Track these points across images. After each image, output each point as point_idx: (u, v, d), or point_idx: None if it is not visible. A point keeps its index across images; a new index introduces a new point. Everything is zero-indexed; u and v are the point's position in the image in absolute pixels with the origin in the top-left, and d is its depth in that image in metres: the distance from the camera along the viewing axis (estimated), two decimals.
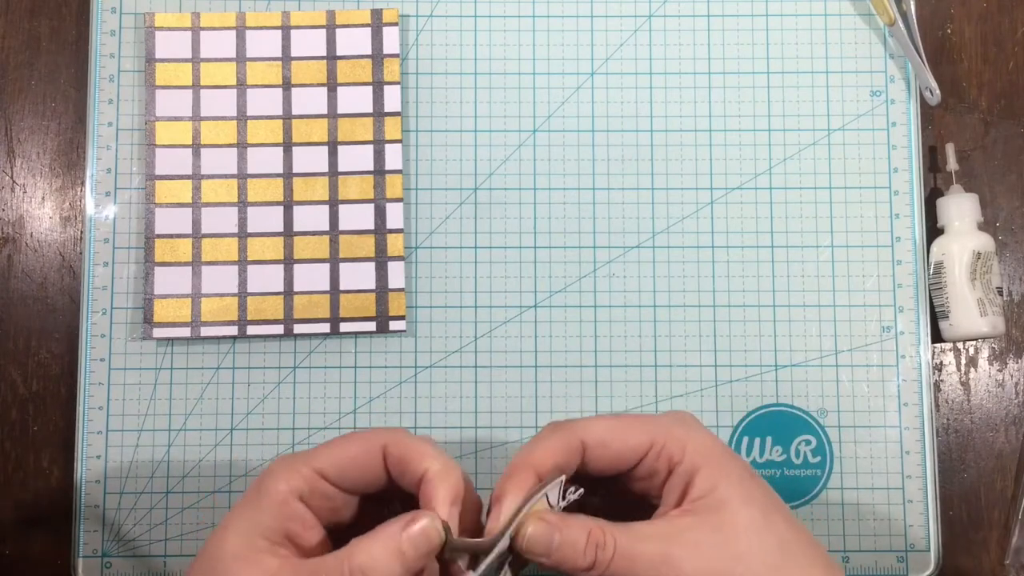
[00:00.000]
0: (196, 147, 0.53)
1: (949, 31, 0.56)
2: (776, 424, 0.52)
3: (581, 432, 0.39)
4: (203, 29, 0.54)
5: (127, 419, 0.52)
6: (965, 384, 0.54)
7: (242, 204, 0.53)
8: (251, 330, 0.52)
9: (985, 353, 0.54)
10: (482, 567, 0.37)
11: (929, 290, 0.53)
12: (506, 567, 0.38)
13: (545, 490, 0.38)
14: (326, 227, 0.53)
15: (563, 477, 0.39)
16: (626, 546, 0.37)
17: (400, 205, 0.53)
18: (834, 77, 0.55)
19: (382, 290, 0.52)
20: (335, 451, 0.39)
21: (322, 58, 0.54)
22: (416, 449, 0.38)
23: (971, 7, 0.56)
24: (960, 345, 0.54)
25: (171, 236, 0.53)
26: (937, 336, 0.53)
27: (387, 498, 0.41)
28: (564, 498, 0.39)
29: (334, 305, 0.52)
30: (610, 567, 0.37)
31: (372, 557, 0.35)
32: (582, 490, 0.39)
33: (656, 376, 0.52)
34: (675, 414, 0.40)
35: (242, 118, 0.53)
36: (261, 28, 0.54)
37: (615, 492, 0.42)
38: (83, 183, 0.54)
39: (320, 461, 0.38)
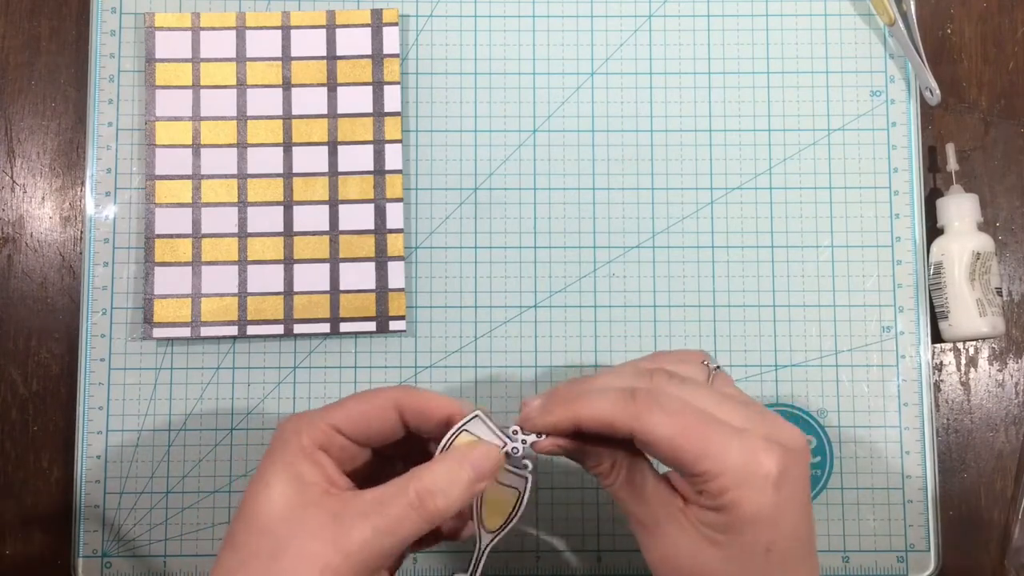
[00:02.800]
0: (196, 147, 0.53)
1: (949, 31, 0.56)
2: None
3: (636, 424, 0.36)
4: (203, 29, 0.54)
5: (127, 419, 0.52)
6: (965, 384, 0.54)
7: (242, 204, 0.53)
8: (251, 330, 0.52)
9: (985, 353, 0.54)
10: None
11: (929, 290, 0.53)
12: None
13: (465, 426, 0.39)
14: (326, 227, 0.53)
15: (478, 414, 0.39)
16: (621, 491, 0.38)
17: (400, 205, 0.53)
18: (834, 77, 0.55)
19: (382, 290, 0.52)
20: (348, 407, 0.39)
21: (322, 58, 0.54)
22: (433, 398, 0.39)
23: (971, 7, 0.56)
24: (960, 345, 0.54)
25: (171, 236, 0.53)
26: (937, 336, 0.53)
27: (391, 455, 0.41)
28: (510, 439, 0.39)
29: (334, 305, 0.52)
30: (609, 489, 0.38)
31: (437, 479, 0.36)
32: (533, 438, 0.39)
33: None
34: (759, 449, 0.35)
35: (242, 118, 0.53)
36: (261, 28, 0.54)
37: None
38: (83, 183, 0.54)
39: (334, 417, 0.38)
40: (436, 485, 0.36)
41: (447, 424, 0.39)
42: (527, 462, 0.39)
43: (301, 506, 0.36)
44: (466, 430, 0.39)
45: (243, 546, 0.36)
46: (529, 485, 0.39)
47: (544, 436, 0.38)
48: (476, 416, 0.39)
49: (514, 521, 0.39)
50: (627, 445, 0.38)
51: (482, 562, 0.39)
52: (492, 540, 0.39)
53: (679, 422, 0.36)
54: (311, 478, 0.37)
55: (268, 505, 0.36)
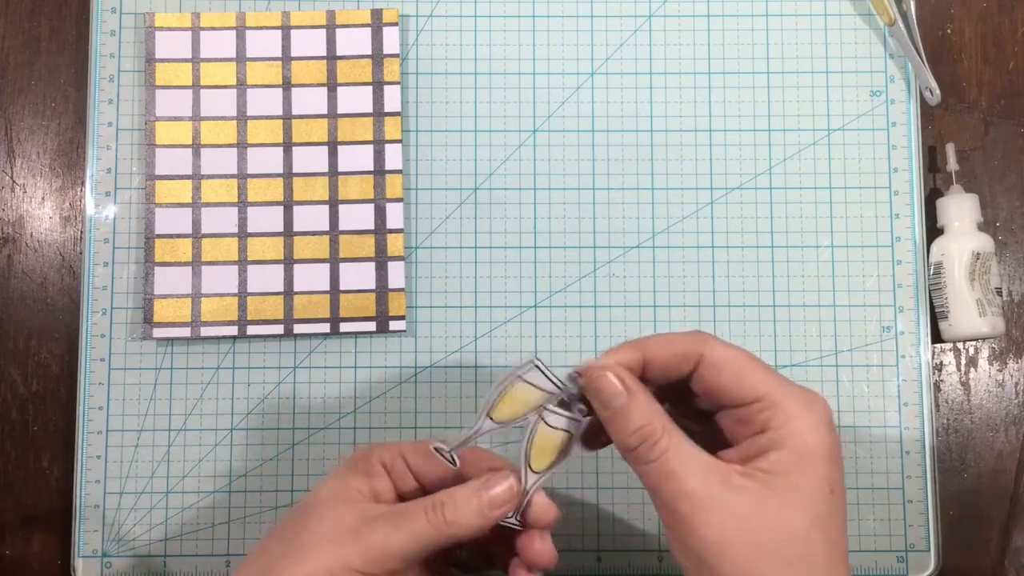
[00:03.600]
0: (196, 147, 0.53)
1: (949, 31, 0.56)
2: None
3: (705, 346, 0.38)
4: (203, 29, 0.54)
5: (127, 419, 0.52)
6: (965, 384, 0.54)
7: (242, 204, 0.53)
8: (251, 330, 0.52)
9: (985, 353, 0.54)
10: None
11: (929, 290, 0.53)
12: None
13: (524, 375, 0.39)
14: (326, 227, 0.53)
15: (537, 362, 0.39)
16: (673, 459, 0.36)
17: (400, 205, 0.53)
18: (834, 77, 0.55)
19: (382, 290, 0.52)
20: (418, 445, 0.42)
21: (322, 58, 0.54)
22: (486, 455, 0.42)
23: (971, 7, 0.56)
24: (960, 345, 0.54)
25: (171, 236, 0.53)
26: (937, 336, 0.53)
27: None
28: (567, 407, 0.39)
29: (334, 305, 0.52)
30: (645, 466, 0.36)
31: (455, 495, 0.39)
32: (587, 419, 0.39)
33: None
34: (809, 393, 0.37)
35: (242, 118, 0.53)
36: (261, 28, 0.54)
37: (693, 411, 0.41)
38: (83, 183, 0.54)
39: (404, 447, 0.42)
40: (459, 518, 0.38)
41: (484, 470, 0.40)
42: (583, 407, 0.39)
43: (341, 501, 0.40)
44: (521, 377, 0.39)
45: (284, 519, 0.41)
46: (582, 428, 0.39)
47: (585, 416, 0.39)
48: (533, 364, 0.39)
49: (561, 463, 0.40)
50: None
51: (527, 502, 0.39)
52: (537, 480, 0.39)
53: (742, 354, 0.38)
54: (358, 485, 0.41)
55: (315, 496, 0.40)
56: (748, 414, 0.37)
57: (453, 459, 0.40)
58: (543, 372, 0.39)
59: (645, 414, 0.37)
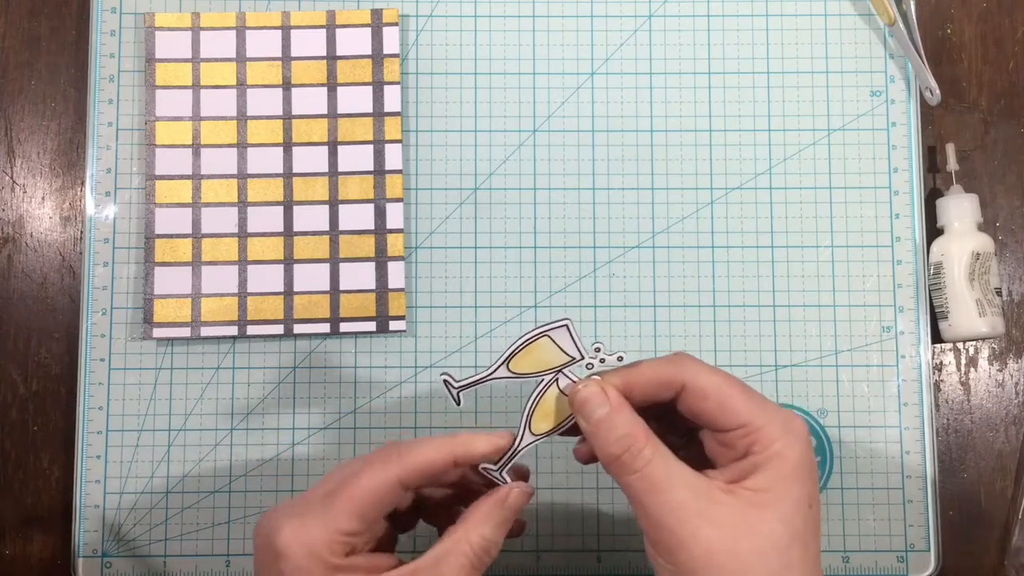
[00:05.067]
0: (196, 147, 0.53)
1: (949, 31, 0.56)
2: None
3: (687, 374, 0.38)
4: (203, 29, 0.54)
5: (127, 419, 0.52)
6: (965, 384, 0.54)
7: (242, 204, 0.53)
8: (251, 330, 0.52)
9: (985, 353, 0.54)
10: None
11: (929, 290, 0.53)
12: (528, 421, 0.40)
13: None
14: (326, 227, 0.53)
15: (568, 321, 0.40)
16: (656, 471, 0.36)
17: (400, 205, 0.53)
18: (834, 77, 0.55)
19: (382, 290, 0.52)
20: (351, 499, 0.38)
21: (322, 58, 0.54)
22: (423, 451, 0.39)
23: (971, 7, 0.56)
24: (960, 345, 0.54)
25: (171, 236, 0.53)
26: (937, 336, 0.53)
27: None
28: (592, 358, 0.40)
29: (334, 305, 0.52)
30: (630, 477, 0.37)
31: (486, 534, 0.38)
32: (622, 355, 0.40)
33: None
34: (787, 415, 0.38)
35: (242, 118, 0.53)
36: (261, 28, 0.54)
37: (678, 431, 0.41)
38: (83, 183, 0.54)
39: (338, 519, 0.38)
40: (487, 539, 0.38)
41: (456, 466, 0.39)
42: (597, 378, 0.39)
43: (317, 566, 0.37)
44: (548, 335, 0.39)
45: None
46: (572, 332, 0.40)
47: (622, 359, 0.39)
48: (564, 324, 0.40)
49: (560, 429, 0.40)
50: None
51: (513, 460, 0.40)
52: (533, 442, 0.40)
53: (723, 380, 0.38)
54: (340, 536, 0.37)
55: (286, 545, 0.37)
56: (731, 439, 0.38)
57: (504, 478, 0.40)
58: (571, 335, 0.40)
59: (629, 423, 0.38)
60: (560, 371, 0.40)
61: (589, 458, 0.41)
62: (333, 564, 0.37)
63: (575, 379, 0.39)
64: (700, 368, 0.39)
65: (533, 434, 0.40)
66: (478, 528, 0.38)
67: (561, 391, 0.40)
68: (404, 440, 0.41)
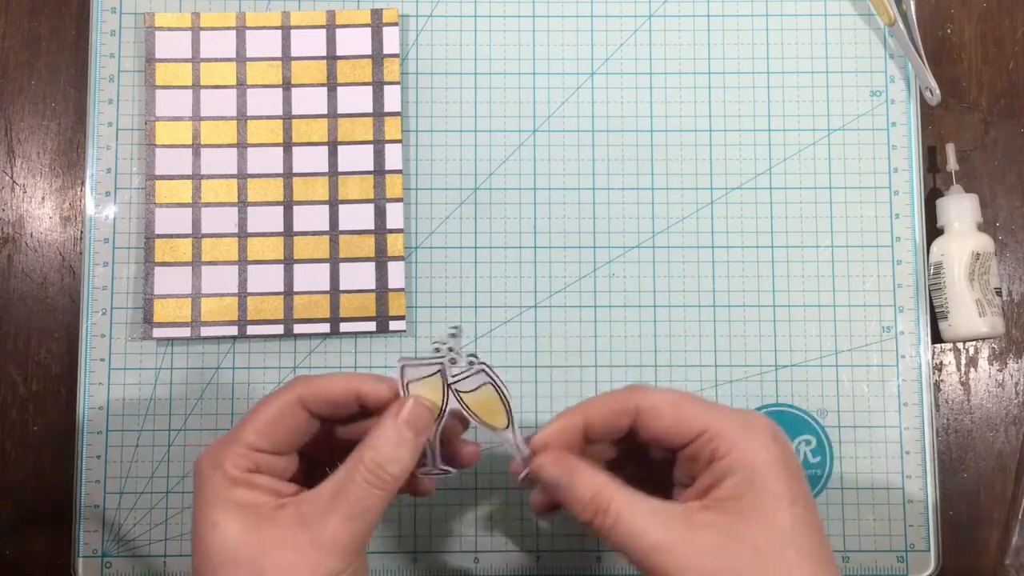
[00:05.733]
0: (196, 147, 0.53)
1: (949, 31, 0.56)
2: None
3: (639, 398, 0.39)
4: (203, 29, 0.54)
5: (127, 419, 0.52)
6: (965, 384, 0.54)
7: (242, 204, 0.53)
8: (251, 330, 0.52)
9: (985, 353, 0.54)
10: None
11: (929, 290, 0.53)
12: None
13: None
14: (326, 227, 0.53)
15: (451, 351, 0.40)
16: (628, 520, 0.36)
17: (400, 205, 0.53)
18: (834, 77, 0.55)
19: (382, 290, 0.52)
20: (256, 421, 0.39)
21: (322, 58, 0.54)
22: (330, 381, 0.40)
23: (971, 7, 0.56)
24: (960, 345, 0.54)
25: (171, 236, 0.53)
26: (937, 336, 0.53)
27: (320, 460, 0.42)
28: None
29: (334, 305, 0.52)
30: (608, 531, 0.37)
31: (384, 450, 0.37)
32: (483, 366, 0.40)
33: (656, 376, 0.52)
34: (747, 413, 0.38)
35: (242, 118, 0.53)
36: (261, 28, 0.54)
37: (652, 463, 0.42)
38: (83, 183, 0.54)
39: (246, 438, 0.38)
40: (385, 455, 0.37)
41: (357, 401, 0.40)
42: (472, 358, 0.40)
43: (259, 527, 0.37)
44: (409, 385, 0.40)
45: None
46: (495, 374, 0.41)
47: (455, 332, 0.40)
48: (401, 367, 0.40)
49: (511, 405, 0.41)
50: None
51: (522, 450, 0.40)
52: (511, 428, 0.41)
53: (676, 395, 0.39)
54: (255, 499, 0.37)
55: (225, 541, 0.36)
56: (696, 450, 0.38)
57: (443, 470, 0.41)
58: (417, 363, 0.40)
59: (590, 487, 0.38)
60: (449, 388, 0.40)
61: (545, 509, 0.41)
62: (231, 476, 0.37)
63: (463, 374, 0.40)
64: (650, 391, 0.39)
65: (504, 428, 0.41)
66: (372, 446, 0.38)
67: (470, 391, 0.41)
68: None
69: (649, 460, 0.41)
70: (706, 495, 0.37)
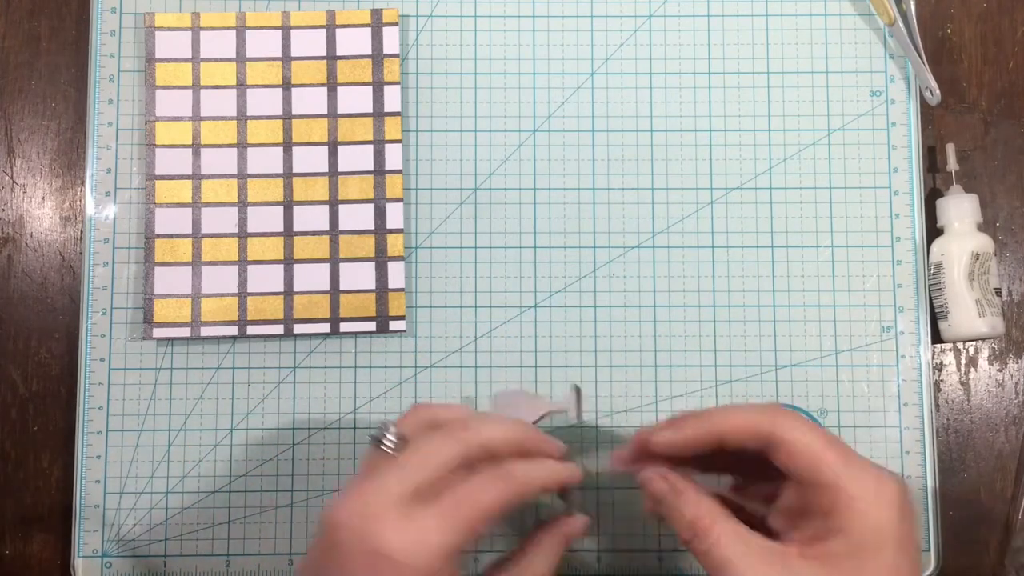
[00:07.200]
0: (196, 147, 0.53)
1: (949, 31, 0.56)
2: None
3: (782, 429, 0.38)
4: (203, 29, 0.54)
5: (127, 419, 0.52)
6: (965, 384, 0.54)
7: (242, 204, 0.53)
8: (251, 330, 0.52)
9: (985, 353, 0.54)
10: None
11: (929, 290, 0.53)
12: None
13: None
14: (326, 227, 0.53)
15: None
16: (723, 551, 0.36)
17: (400, 205, 0.53)
18: (834, 77, 0.55)
19: (382, 290, 0.52)
20: (464, 515, 0.37)
21: (322, 58, 0.54)
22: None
23: (971, 7, 0.56)
24: (960, 345, 0.54)
25: (171, 236, 0.53)
26: (937, 336, 0.53)
27: None
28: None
29: (334, 305, 0.52)
30: (702, 556, 0.37)
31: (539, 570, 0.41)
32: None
33: (656, 376, 0.52)
34: (882, 477, 0.37)
35: (242, 118, 0.53)
36: (261, 28, 0.54)
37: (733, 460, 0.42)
38: (83, 183, 0.54)
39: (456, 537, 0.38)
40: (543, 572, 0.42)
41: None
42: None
43: None
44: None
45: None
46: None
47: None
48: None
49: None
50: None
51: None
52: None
53: (820, 441, 0.37)
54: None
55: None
56: (814, 494, 0.37)
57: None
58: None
59: (693, 509, 0.38)
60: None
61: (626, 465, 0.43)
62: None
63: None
64: (795, 424, 0.37)
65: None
66: (538, 561, 0.41)
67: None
68: (510, 460, 0.40)
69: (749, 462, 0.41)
70: (811, 544, 0.36)
